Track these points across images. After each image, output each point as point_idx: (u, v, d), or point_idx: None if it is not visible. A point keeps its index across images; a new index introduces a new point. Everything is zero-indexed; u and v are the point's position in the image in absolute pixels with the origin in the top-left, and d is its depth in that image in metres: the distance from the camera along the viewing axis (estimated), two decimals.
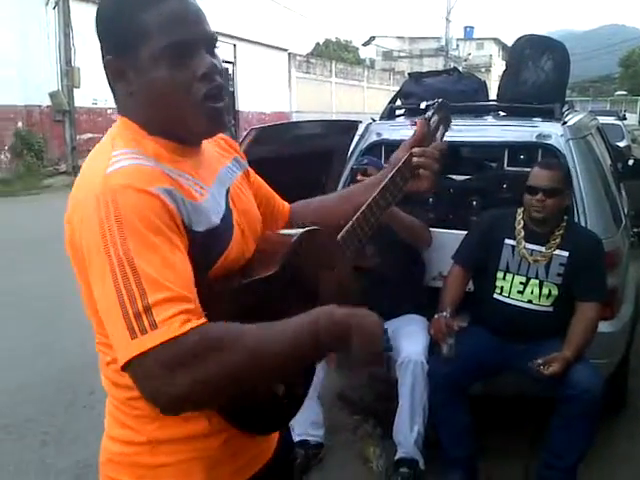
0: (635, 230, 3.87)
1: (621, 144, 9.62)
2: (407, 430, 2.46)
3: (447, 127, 1.31)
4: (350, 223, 1.11)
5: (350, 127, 3.22)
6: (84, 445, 2.82)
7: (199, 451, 0.97)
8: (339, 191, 1.33)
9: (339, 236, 1.11)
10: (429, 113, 1.26)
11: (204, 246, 0.91)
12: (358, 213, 1.11)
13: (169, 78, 0.91)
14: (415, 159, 1.19)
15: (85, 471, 2.63)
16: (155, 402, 0.82)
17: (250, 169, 1.18)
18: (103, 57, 0.95)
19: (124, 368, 0.81)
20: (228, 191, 1.04)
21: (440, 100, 1.30)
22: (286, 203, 1.28)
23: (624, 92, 45.43)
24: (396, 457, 2.50)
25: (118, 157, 0.88)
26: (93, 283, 0.84)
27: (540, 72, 3.21)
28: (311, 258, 1.03)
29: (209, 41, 0.96)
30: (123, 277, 0.79)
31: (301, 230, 1.04)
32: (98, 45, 0.96)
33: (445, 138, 1.30)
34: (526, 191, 2.49)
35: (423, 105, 1.30)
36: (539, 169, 2.50)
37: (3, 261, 6.11)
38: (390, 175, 1.16)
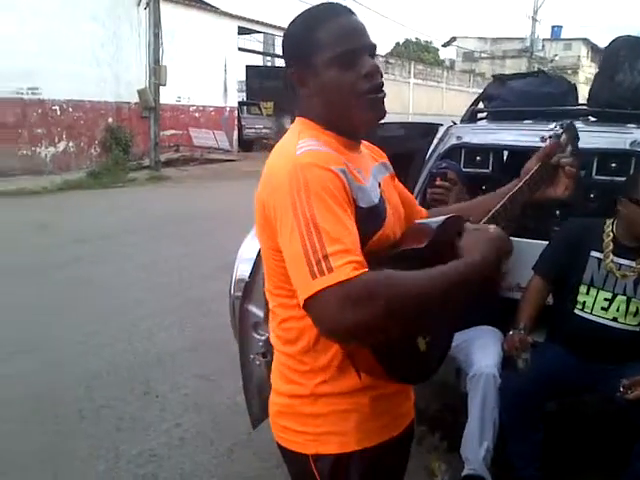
0: None
1: None
2: (476, 446, 2.37)
3: (575, 147, 1.45)
4: (483, 220, 1.31)
5: (430, 130, 3.14)
6: (155, 434, 2.91)
7: (352, 404, 1.18)
8: (472, 200, 1.57)
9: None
10: (559, 131, 1.42)
11: (366, 220, 1.11)
12: (489, 214, 1.31)
13: (338, 78, 1.14)
14: (563, 160, 1.38)
15: (154, 459, 2.71)
16: (329, 332, 1.00)
17: (395, 175, 1.39)
18: (290, 70, 1.19)
19: (305, 305, 0.99)
20: (379, 184, 1.25)
21: (569, 121, 1.46)
22: (423, 209, 1.49)
23: None
24: (463, 473, 2.41)
25: (304, 144, 1.11)
26: (283, 239, 1.05)
27: (637, 75, 3.01)
28: (450, 240, 1.20)
29: (371, 48, 1.19)
30: (307, 233, 1.00)
31: (444, 217, 1.25)
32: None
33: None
34: (636, 204, 2.27)
35: (553, 125, 1.51)
36: None
37: (85, 252, 6.43)
38: (523, 181, 1.35)
